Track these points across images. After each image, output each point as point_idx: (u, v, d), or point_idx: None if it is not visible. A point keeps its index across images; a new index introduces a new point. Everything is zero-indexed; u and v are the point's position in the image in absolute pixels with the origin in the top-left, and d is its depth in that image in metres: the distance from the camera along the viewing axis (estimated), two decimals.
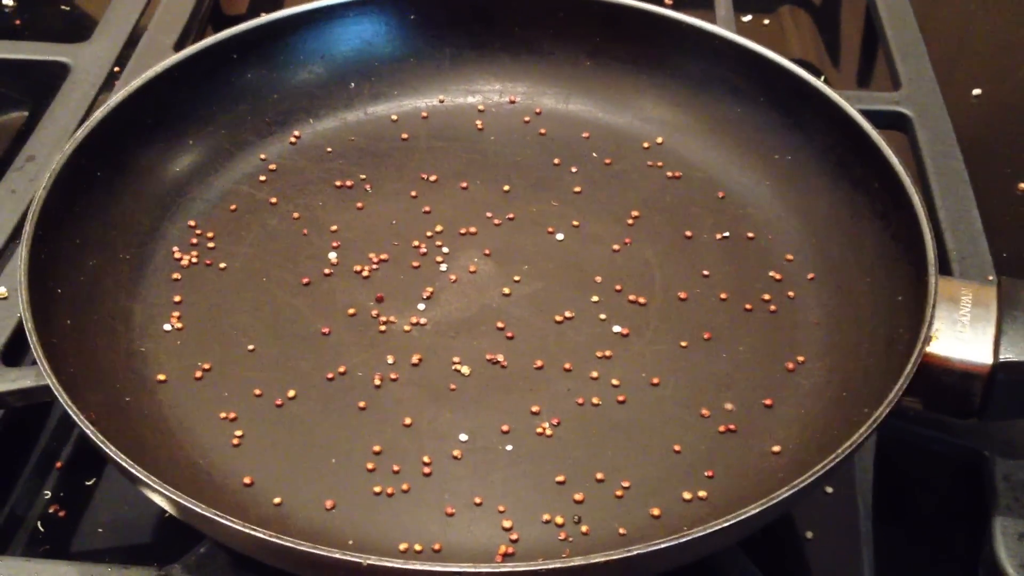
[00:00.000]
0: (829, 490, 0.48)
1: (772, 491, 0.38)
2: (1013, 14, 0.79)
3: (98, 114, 0.51)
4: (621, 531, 0.42)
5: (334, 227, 0.54)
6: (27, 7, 0.78)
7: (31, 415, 0.50)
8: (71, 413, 0.39)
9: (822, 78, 0.72)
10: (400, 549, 0.41)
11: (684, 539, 0.36)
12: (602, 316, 0.50)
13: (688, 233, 0.54)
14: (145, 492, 0.39)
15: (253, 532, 0.36)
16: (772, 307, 0.50)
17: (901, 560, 0.47)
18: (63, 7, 0.79)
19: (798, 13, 0.80)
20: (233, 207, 0.54)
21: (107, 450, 0.38)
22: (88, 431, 0.39)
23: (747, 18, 0.77)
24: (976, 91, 0.71)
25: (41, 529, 0.46)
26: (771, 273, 0.52)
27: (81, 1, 0.80)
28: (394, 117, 0.59)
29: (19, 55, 0.65)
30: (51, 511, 0.47)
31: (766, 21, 0.78)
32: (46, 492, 0.48)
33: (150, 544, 0.47)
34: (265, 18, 0.57)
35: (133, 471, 0.37)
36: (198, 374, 0.47)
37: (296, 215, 0.54)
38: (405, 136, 0.58)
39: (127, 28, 0.67)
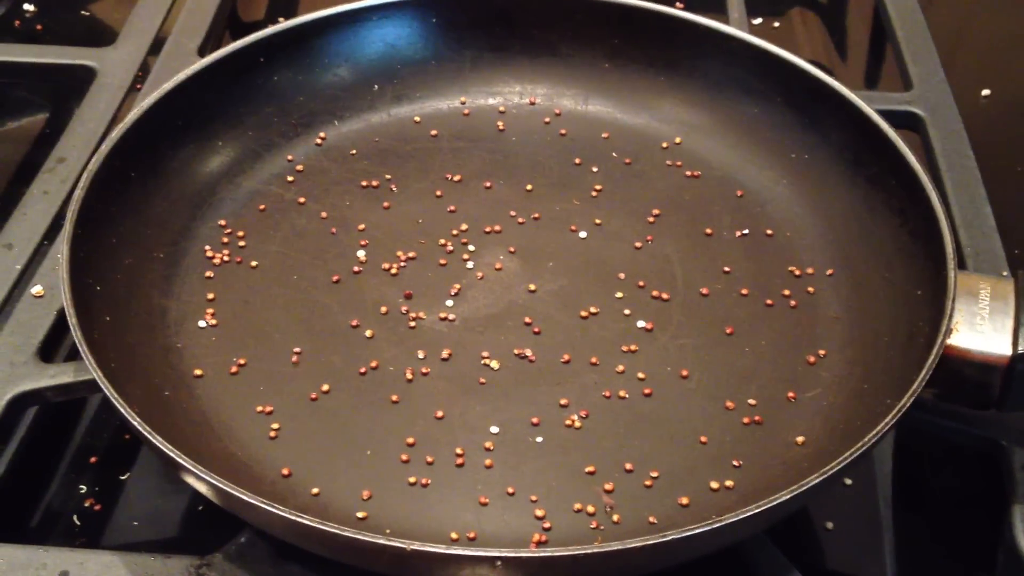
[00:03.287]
0: (848, 482, 0.49)
1: (797, 479, 0.39)
2: (1021, 14, 0.80)
3: (131, 117, 0.52)
4: (651, 520, 0.43)
5: (361, 226, 0.55)
6: (48, 12, 0.79)
7: (66, 412, 0.51)
8: (117, 405, 0.40)
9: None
10: (441, 537, 0.42)
11: (716, 525, 0.37)
12: (626, 312, 0.51)
13: (708, 231, 0.55)
14: (190, 481, 0.39)
15: (299, 519, 0.37)
16: (792, 302, 0.51)
17: (921, 549, 0.47)
18: (83, 12, 0.80)
19: (807, 15, 0.81)
20: (262, 207, 0.55)
21: (154, 440, 0.39)
22: (135, 422, 0.39)
23: (757, 21, 0.78)
24: (985, 91, 0.72)
25: (77, 523, 0.47)
26: (790, 269, 0.53)
27: (100, 7, 0.81)
28: (417, 118, 0.60)
29: (46, 59, 0.66)
30: (87, 505, 0.48)
31: (776, 24, 0.79)
32: (81, 487, 0.48)
33: (182, 537, 0.47)
34: (291, 22, 0.58)
35: (180, 460, 0.38)
36: (233, 369, 0.48)
37: (324, 214, 0.55)
38: (428, 137, 0.60)
39: (151, 33, 0.68)
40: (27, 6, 0.78)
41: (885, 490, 0.49)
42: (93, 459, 0.50)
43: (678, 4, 0.78)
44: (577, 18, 0.61)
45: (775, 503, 0.38)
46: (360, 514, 0.42)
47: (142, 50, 0.67)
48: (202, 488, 0.39)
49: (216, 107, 0.56)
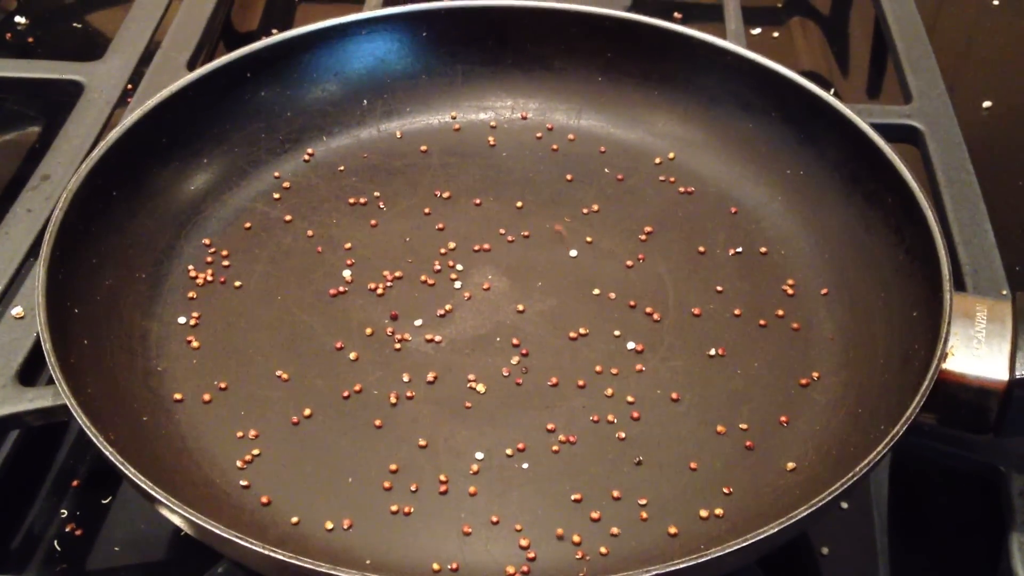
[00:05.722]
0: (844, 505, 0.48)
1: (789, 508, 0.38)
2: (1022, 27, 0.79)
3: (113, 134, 0.51)
4: (639, 550, 0.42)
5: (348, 244, 0.54)
6: (40, 24, 0.78)
7: (48, 434, 0.51)
8: (90, 434, 0.39)
9: (831, 90, 0.73)
10: (423, 568, 0.41)
11: (703, 559, 0.37)
12: (616, 333, 0.50)
13: (701, 249, 0.54)
14: (164, 512, 0.39)
15: (271, 553, 0.36)
16: (787, 322, 0.50)
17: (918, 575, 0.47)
18: (75, 24, 0.79)
19: (808, 25, 0.80)
20: (248, 225, 0.55)
21: (126, 471, 0.38)
22: (107, 452, 0.39)
23: (756, 31, 0.78)
24: (986, 103, 0.71)
25: (58, 548, 0.47)
26: (785, 288, 0.52)
27: (93, 18, 0.80)
28: (407, 134, 0.60)
29: (33, 74, 0.66)
30: (68, 530, 0.47)
31: (776, 34, 0.78)
32: (63, 511, 0.48)
33: (166, 562, 0.47)
34: (279, 37, 0.57)
35: (152, 492, 0.38)
36: (215, 393, 0.47)
37: (310, 233, 0.55)
38: (418, 153, 0.59)
39: (140, 46, 0.68)
40: (18, 19, 0.78)
41: (882, 514, 0.48)
42: (75, 483, 0.49)
43: (676, 15, 0.78)
44: (571, 31, 0.60)
45: (762, 536, 0.37)
46: (340, 545, 0.42)
47: (131, 64, 0.66)
48: (176, 520, 0.38)
49: (202, 123, 0.55)
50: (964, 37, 0.79)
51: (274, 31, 0.77)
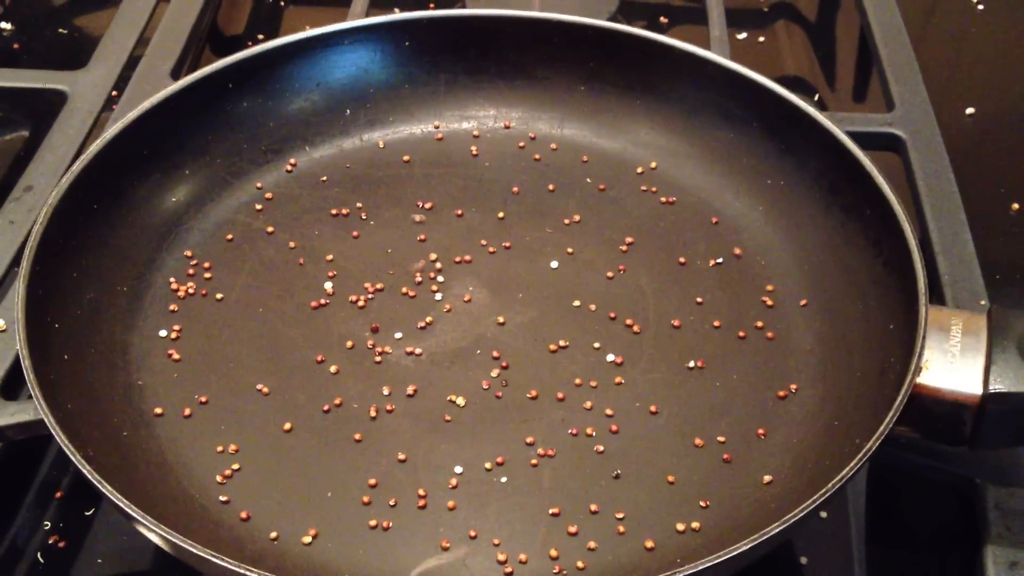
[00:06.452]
0: (823, 515, 0.48)
1: (765, 521, 0.38)
2: (1006, 32, 0.80)
3: (94, 147, 0.51)
4: (616, 564, 0.42)
5: (330, 256, 0.54)
6: (25, 30, 0.78)
7: (31, 445, 0.51)
8: (67, 451, 0.40)
9: (816, 96, 0.73)
10: None
11: (681, 574, 0.37)
12: (596, 345, 0.50)
13: (682, 259, 0.54)
14: (141, 530, 0.39)
15: (247, 573, 0.36)
16: (765, 334, 0.51)
17: None
18: (61, 30, 0.79)
19: (793, 30, 0.81)
20: (230, 237, 0.55)
21: (103, 489, 0.38)
22: (85, 470, 0.39)
23: (742, 35, 0.78)
24: (970, 109, 0.71)
25: (41, 560, 0.47)
26: (764, 299, 0.52)
27: (79, 23, 0.80)
28: (389, 144, 0.60)
29: (16, 83, 0.66)
30: (51, 542, 0.47)
31: (761, 39, 0.78)
32: (46, 523, 0.48)
33: (150, 572, 0.47)
34: (260, 47, 0.57)
35: (128, 510, 0.38)
36: (195, 407, 0.47)
37: (292, 244, 0.55)
38: (401, 163, 0.59)
39: (124, 54, 0.68)
40: (4, 24, 0.78)
41: (860, 524, 0.49)
42: (58, 494, 0.49)
43: (662, 19, 0.78)
44: (554, 41, 0.60)
45: (737, 552, 0.37)
46: (319, 559, 0.42)
47: (114, 72, 0.66)
48: (153, 538, 0.39)
49: (183, 135, 0.55)
50: (951, 43, 0.79)
51: (260, 36, 0.77)
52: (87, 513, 0.48)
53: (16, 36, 0.78)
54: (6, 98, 0.66)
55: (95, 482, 0.39)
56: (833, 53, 0.79)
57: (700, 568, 0.37)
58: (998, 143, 0.70)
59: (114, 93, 0.66)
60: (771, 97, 0.55)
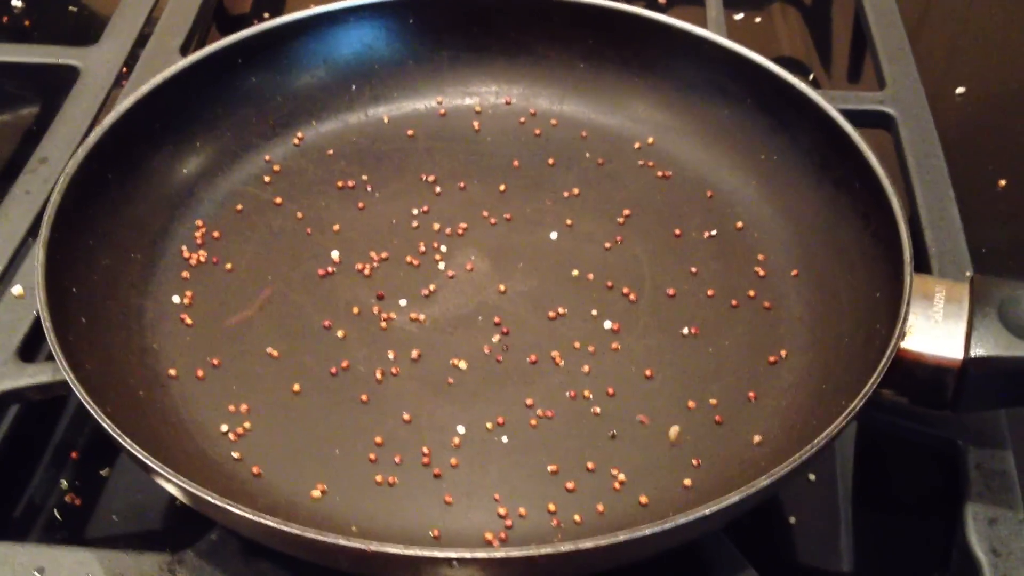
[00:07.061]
0: (812, 477, 0.50)
1: (753, 479, 0.40)
2: (999, 12, 0.81)
3: (108, 119, 0.53)
4: (611, 518, 0.44)
5: (336, 227, 0.56)
6: (36, 7, 0.80)
7: (47, 408, 0.53)
8: (89, 408, 0.41)
9: (811, 76, 0.75)
10: (405, 535, 0.43)
11: (669, 525, 0.38)
12: (593, 312, 0.52)
13: (677, 231, 0.56)
14: (160, 482, 0.41)
15: (263, 520, 0.38)
16: (758, 303, 0.52)
17: (880, 544, 0.49)
18: (71, 7, 0.81)
19: (789, 11, 0.82)
20: (239, 207, 0.56)
21: (124, 443, 0.40)
22: (105, 425, 0.41)
23: (739, 16, 0.79)
24: (960, 89, 0.72)
25: (58, 517, 0.48)
26: (756, 270, 0.54)
27: (88, 1, 0.81)
28: (393, 119, 0.61)
29: (29, 58, 0.67)
30: (67, 500, 0.49)
31: (758, 19, 0.80)
32: (62, 481, 0.50)
33: (162, 530, 0.48)
34: (268, 24, 0.59)
35: (149, 463, 0.39)
36: (208, 369, 0.49)
37: (300, 215, 0.56)
38: (405, 137, 0.60)
39: (134, 30, 0.69)
40: (15, 2, 0.79)
41: (846, 486, 0.50)
42: (74, 454, 0.51)
43: (660, 0, 0.79)
44: (554, 19, 0.61)
45: (726, 504, 0.39)
46: (327, 513, 0.44)
47: (125, 48, 0.68)
48: (171, 489, 0.40)
49: (194, 108, 0.57)
50: (941, 23, 0.80)
51: (266, 15, 0.79)
52: (102, 472, 0.50)
53: (26, 13, 0.79)
54: (19, 73, 0.67)
55: (116, 436, 0.40)
56: (828, 34, 0.81)
57: (692, 518, 0.39)
58: (987, 122, 0.71)
59: (124, 69, 0.67)
60: (765, 75, 0.57)
